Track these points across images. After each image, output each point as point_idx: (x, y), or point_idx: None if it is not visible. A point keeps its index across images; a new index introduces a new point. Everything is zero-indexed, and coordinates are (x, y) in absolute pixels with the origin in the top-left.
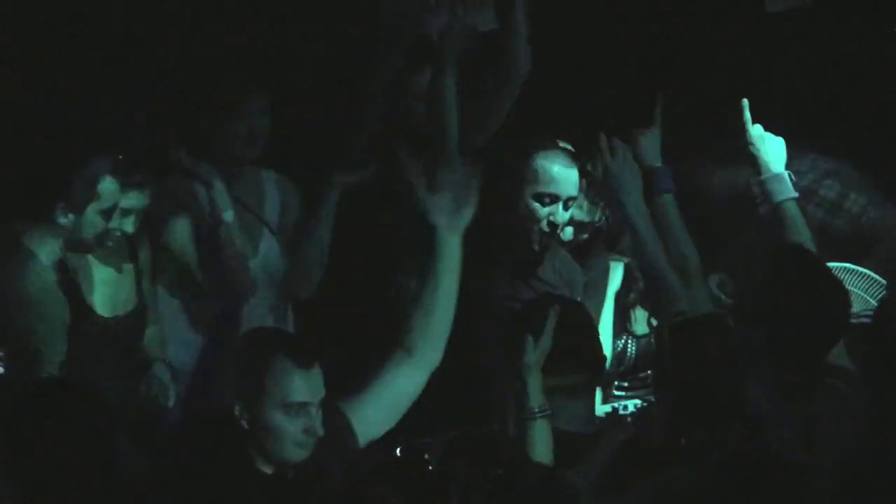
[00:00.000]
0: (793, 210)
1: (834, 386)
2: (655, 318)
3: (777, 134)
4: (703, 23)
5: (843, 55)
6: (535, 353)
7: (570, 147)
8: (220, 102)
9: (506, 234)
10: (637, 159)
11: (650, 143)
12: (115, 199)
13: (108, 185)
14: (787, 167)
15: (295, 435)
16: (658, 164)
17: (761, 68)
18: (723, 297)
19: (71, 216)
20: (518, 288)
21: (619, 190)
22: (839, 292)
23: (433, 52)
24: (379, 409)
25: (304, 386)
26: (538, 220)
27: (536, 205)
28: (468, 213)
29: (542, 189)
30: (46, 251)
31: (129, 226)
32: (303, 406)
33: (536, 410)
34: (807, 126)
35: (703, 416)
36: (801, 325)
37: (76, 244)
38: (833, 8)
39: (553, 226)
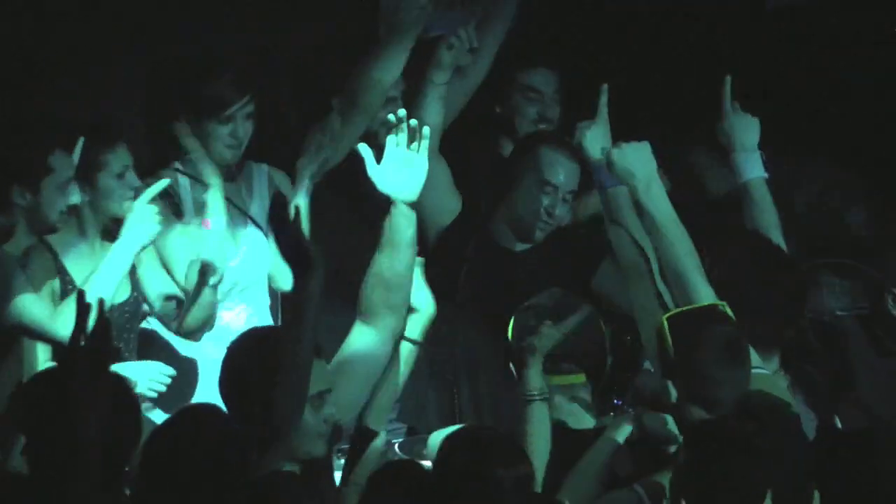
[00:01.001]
0: (761, 189)
1: (804, 370)
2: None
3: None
4: (703, 20)
5: (841, 53)
6: (544, 339)
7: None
8: (204, 107)
9: (501, 222)
10: (582, 153)
11: (596, 136)
12: (68, 172)
13: (58, 157)
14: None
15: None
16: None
17: (760, 65)
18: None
19: (28, 196)
20: (495, 283)
21: (634, 183)
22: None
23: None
24: (348, 380)
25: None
26: (537, 208)
27: (537, 192)
28: (417, 183)
29: (545, 177)
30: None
31: (135, 181)
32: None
33: (535, 393)
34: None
35: (707, 406)
36: (758, 313)
37: (39, 226)
38: (831, 6)
39: (550, 216)
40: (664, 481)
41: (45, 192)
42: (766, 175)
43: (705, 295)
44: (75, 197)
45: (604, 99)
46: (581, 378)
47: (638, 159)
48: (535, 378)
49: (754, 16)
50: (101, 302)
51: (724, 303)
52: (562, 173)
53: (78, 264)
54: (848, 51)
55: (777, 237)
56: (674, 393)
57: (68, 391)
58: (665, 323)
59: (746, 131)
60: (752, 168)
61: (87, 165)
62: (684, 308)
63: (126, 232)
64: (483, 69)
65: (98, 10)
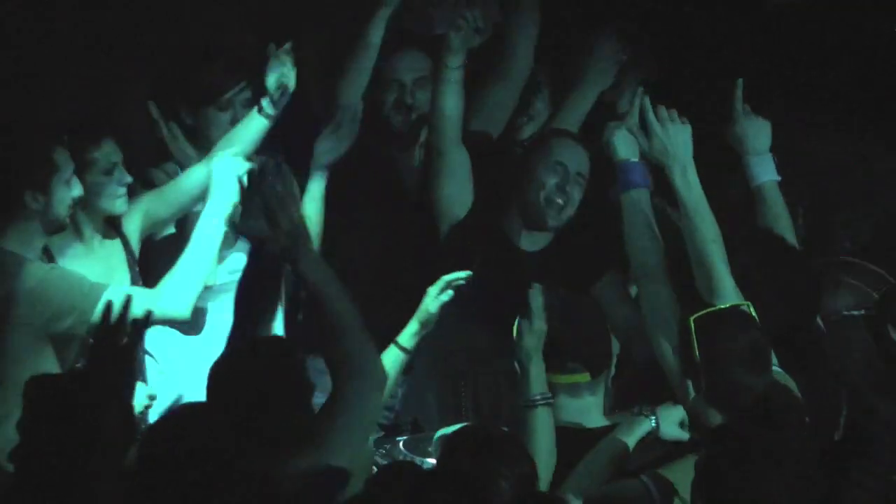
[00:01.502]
0: (773, 192)
1: (809, 370)
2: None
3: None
4: (704, 16)
5: (843, 50)
6: (531, 337)
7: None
8: (203, 94)
9: (513, 213)
10: (610, 153)
11: (626, 137)
12: (70, 165)
13: (60, 153)
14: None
15: None
16: (634, 158)
17: (761, 62)
18: None
19: (41, 198)
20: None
21: (670, 163)
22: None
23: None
24: None
25: None
26: (547, 189)
27: (546, 172)
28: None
29: (553, 158)
30: (28, 247)
31: (125, 177)
32: None
33: (538, 398)
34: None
35: (726, 409)
36: (770, 313)
37: (52, 225)
38: (831, 6)
39: (562, 192)
40: (669, 476)
41: (55, 190)
42: (778, 178)
43: (727, 283)
44: (77, 189)
45: (637, 101)
46: (586, 377)
47: (678, 140)
48: (536, 382)
49: (754, 16)
50: (128, 297)
51: (749, 303)
52: (569, 152)
53: (75, 266)
54: (848, 51)
55: (790, 238)
56: (692, 392)
57: (93, 390)
58: (691, 324)
59: (758, 134)
60: (765, 171)
61: (75, 166)
62: (710, 310)
63: (212, 198)
64: (524, 69)
65: (97, 8)
